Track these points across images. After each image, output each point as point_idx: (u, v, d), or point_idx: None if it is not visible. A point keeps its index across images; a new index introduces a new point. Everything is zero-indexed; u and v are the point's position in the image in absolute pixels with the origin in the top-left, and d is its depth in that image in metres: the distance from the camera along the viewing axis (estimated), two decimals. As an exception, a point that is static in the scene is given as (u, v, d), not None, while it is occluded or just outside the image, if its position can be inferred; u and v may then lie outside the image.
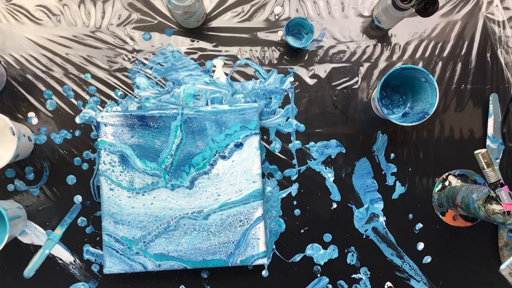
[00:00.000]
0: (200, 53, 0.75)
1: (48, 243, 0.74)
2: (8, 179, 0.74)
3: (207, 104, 0.75)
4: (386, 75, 0.67)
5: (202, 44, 0.75)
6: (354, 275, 0.76)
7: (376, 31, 0.76)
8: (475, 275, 0.77)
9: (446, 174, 0.76)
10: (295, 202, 0.75)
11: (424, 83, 0.69)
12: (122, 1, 0.75)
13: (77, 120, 0.75)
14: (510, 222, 0.61)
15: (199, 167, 0.71)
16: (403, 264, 0.76)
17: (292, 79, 0.75)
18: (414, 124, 0.68)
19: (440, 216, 0.76)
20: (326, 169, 0.76)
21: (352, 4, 0.76)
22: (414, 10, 0.65)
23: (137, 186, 0.71)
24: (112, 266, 0.71)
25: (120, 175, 0.71)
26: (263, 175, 0.75)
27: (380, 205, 0.76)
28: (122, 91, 0.75)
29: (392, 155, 0.76)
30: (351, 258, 0.76)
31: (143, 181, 0.71)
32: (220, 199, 0.71)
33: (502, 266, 0.63)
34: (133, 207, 0.71)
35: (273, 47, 0.76)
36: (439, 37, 0.76)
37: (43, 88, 0.75)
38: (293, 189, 0.75)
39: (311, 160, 0.75)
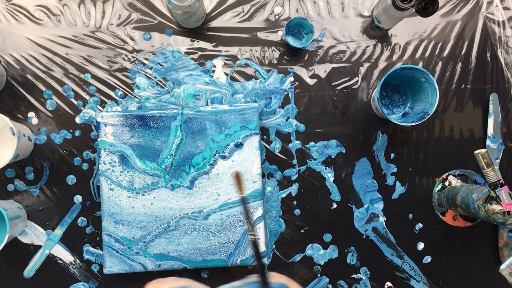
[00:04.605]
0: (200, 53, 0.75)
1: (48, 243, 0.74)
2: (8, 179, 0.74)
3: (207, 104, 0.75)
4: (386, 75, 0.67)
5: (202, 44, 0.75)
6: (354, 275, 0.76)
7: (376, 31, 0.76)
8: (475, 275, 0.77)
9: (446, 174, 0.76)
10: (295, 202, 0.75)
11: (424, 83, 0.69)
12: (122, 1, 0.75)
13: (77, 120, 0.75)
14: (510, 222, 0.61)
15: (199, 167, 0.71)
16: (403, 264, 0.76)
17: (292, 79, 0.75)
18: (414, 124, 0.68)
19: (440, 216, 0.76)
20: (326, 169, 0.75)
21: (352, 4, 0.76)
22: (414, 10, 0.65)
23: (137, 186, 0.71)
24: (112, 266, 0.71)
25: (120, 175, 0.71)
26: (263, 175, 0.75)
27: (380, 205, 0.76)
28: (122, 91, 0.75)
29: (392, 155, 0.76)
30: (351, 258, 0.76)
31: (143, 181, 0.71)
32: (220, 199, 0.71)
33: (502, 266, 0.63)
34: (133, 207, 0.71)
35: (273, 47, 0.76)
36: (439, 37, 0.76)
37: (43, 88, 0.75)
38: (293, 189, 0.75)
39: (311, 160, 0.75)
